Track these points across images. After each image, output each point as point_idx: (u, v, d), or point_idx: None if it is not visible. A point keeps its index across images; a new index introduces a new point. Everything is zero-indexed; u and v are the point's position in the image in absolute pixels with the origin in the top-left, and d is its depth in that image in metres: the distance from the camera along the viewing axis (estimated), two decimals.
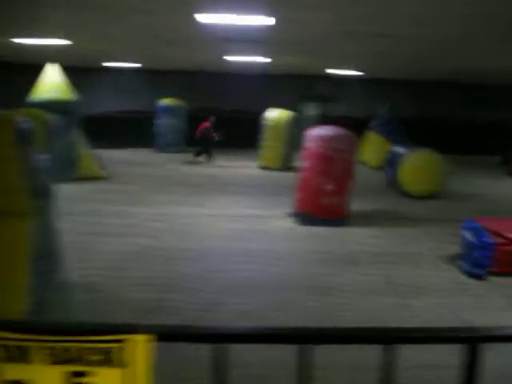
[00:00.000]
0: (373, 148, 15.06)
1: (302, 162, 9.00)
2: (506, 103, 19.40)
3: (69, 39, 10.54)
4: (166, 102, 17.34)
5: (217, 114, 16.20)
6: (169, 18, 8.12)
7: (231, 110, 18.94)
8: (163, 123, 17.29)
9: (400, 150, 11.77)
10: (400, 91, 19.30)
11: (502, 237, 6.56)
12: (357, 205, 10.12)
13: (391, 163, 11.77)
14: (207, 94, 18.95)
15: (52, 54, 12.66)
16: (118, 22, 8.58)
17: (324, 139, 8.63)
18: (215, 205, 9.95)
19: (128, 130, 17.72)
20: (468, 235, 6.80)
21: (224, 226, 8.50)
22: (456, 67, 14.11)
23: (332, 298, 5.64)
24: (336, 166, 8.61)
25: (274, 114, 14.50)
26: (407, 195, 11.16)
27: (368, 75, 17.99)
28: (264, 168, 14.33)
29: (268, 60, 13.79)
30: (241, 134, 16.87)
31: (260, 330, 1.61)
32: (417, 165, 11.06)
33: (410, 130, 16.28)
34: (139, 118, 18.09)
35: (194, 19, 7.76)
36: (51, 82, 11.85)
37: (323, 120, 18.87)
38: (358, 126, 16.88)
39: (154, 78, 18.91)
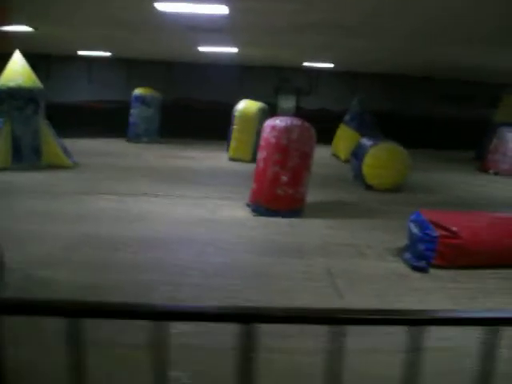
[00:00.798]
0: (344, 141, 15.08)
1: (259, 152, 8.97)
2: (480, 99, 19.48)
3: (32, 26, 10.45)
4: (140, 91, 17.23)
5: (192, 105, 16.18)
6: (129, 6, 8.09)
7: (206, 101, 18.85)
8: (137, 113, 17.19)
9: (365, 142, 11.78)
10: (375, 85, 19.34)
11: (446, 229, 6.58)
12: (318, 196, 10.17)
13: (357, 156, 11.78)
14: (183, 84, 18.88)
15: (21, 42, 12.55)
16: (78, 8, 8.51)
17: (279, 130, 8.61)
18: (175, 195, 9.93)
19: (101, 119, 17.61)
20: (413, 228, 6.82)
21: (178, 215, 8.48)
22: (430, 62, 14.15)
23: (267, 285, 5.64)
24: (291, 157, 8.59)
25: (245, 106, 14.46)
26: (371, 188, 11.18)
27: (343, 68, 18.01)
28: (234, 159, 14.30)
29: (236, 50, 13.74)
30: (215, 125, 16.83)
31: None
32: (380, 158, 11.07)
33: (384, 124, 16.34)
34: (113, 107, 17.99)
35: (153, 7, 7.73)
36: (16, 69, 11.73)
37: (298, 113, 18.97)
38: (332, 119, 17.04)
39: (129, 68, 18.79)
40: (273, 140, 8.64)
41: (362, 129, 14.51)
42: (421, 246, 6.62)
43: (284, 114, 19.29)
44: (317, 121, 17.04)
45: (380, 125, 15.88)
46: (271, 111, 18.97)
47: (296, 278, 5.95)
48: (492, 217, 7.37)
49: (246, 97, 15.54)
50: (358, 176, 11.61)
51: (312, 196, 9.95)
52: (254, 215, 8.66)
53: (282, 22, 8.72)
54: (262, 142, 8.88)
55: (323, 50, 13.11)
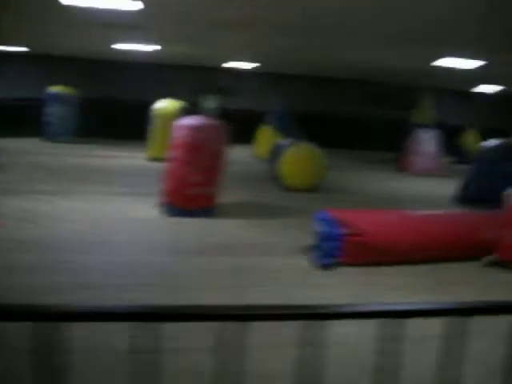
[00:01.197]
0: (265, 142, 15.05)
1: (170, 152, 8.77)
2: (403, 102, 19.93)
3: None
4: (55, 89, 16.58)
5: (112, 104, 15.72)
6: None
7: (127, 99, 18.37)
8: (53, 112, 16.54)
9: (283, 143, 11.79)
10: (301, 86, 19.47)
11: (351, 227, 6.60)
12: (234, 196, 10.08)
13: (274, 156, 11.77)
14: (102, 83, 18.32)
15: None
16: None
17: (191, 129, 8.45)
18: (85, 195, 9.56)
19: (14, 117, 16.80)
20: (319, 226, 6.81)
21: (87, 215, 8.16)
22: (353, 63, 14.35)
23: (168, 285, 5.46)
24: (203, 157, 8.44)
25: (163, 105, 14.19)
26: (288, 188, 11.18)
27: (269, 69, 18.00)
28: (152, 159, 13.97)
29: (155, 48, 13.48)
30: (135, 124, 16.42)
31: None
32: (296, 159, 11.09)
33: (309, 126, 16.46)
34: (26, 105, 17.19)
35: (57, 2, 7.42)
36: None
37: (223, 113, 18.83)
38: (257, 120, 16.99)
39: (45, 65, 18.04)
40: (184, 139, 8.46)
41: (284, 129, 14.53)
42: (327, 244, 6.62)
43: (208, 113, 19.22)
44: (241, 121, 17.14)
45: (305, 126, 15.95)
46: (195, 111, 18.82)
47: (198, 277, 5.80)
48: (399, 215, 7.50)
49: (169, 96, 15.27)
50: (276, 176, 11.59)
51: (228, 196, 9.84)
52: (166, 215, 8.45)
53: (200, 18, 8.55)
54: (173, 142, 8.67)
55: (246, 48, 13.05)
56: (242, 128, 16.54)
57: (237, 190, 10.75)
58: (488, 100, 20.67)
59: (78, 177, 11.32)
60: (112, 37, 12.11)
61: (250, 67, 17.45)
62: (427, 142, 15.73)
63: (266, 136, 15.32)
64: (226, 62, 16.68)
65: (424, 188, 13.37)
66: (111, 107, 17.68)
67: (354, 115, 20.24)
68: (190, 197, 8.43)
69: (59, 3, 7.52)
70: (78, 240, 6.84)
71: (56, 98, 16.53)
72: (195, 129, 8.45)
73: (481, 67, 12.31)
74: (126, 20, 9.14)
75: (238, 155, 16.27)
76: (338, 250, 6.53)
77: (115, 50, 14.22)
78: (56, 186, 10.18)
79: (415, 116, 16.56)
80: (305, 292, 5.60)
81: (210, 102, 18.90)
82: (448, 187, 12.33)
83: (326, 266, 6.41)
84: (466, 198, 11.05)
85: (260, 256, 6.76)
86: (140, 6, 7.56)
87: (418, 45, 9.93)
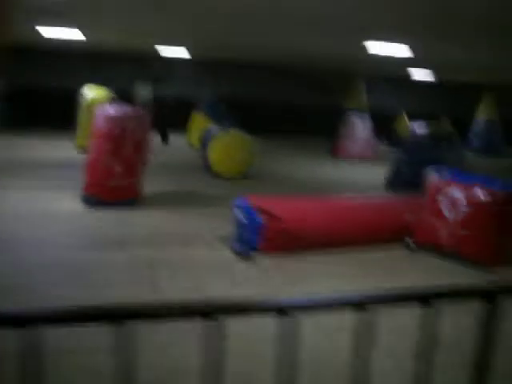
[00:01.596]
0: (197, 129, 14.88)
1: (90, 141, 8.51)
2: (334, 87, 20.14)
3: None
4: None
5: (39, 93, 15.16)
6: None
7: (55, 88, 17.80)
8: None
9: (211, 130, 11.67)
10: (235, 73, 19.35)
11: (271, 215, 6.57)
12: (161, 186, 9.94)
13: (204, 144, 11.64)
14: (28, 71, 17.69)
15: None
16: None
17: (111, 118, 8.21)
18: (6, 189, 9.18)
19: None
20: (239, 214, 6.75)
21: (5, 209, 7.85)
22: (285, 50, 14.29)
23: (81, 281, 5.28)
24: (125, 147, 8.23)
25: (93, 94, 13.79)
26: (218, 176, 11.09)
27: (201, 57, 17.79)
28: (80, 148, 13.57)
29: (80, 34, 13.06)
30: (64, 113, 15.95)
31: None
32: (225, 145, 11.00)
33: (241, 113, 16.38)
34: None
35: None
36: None
37: (154, 101, 18.54)
38: (190, 108, 16.79)
39: None
40: (105, 129, 8.23)
41: (215, 117, 14.39)
42: (246, 233, 6.58)
43: (141, 101, 18.89)
44: (175, 109, 16.90)
45: (238, 113, 15.87)
46: (127, 99, 18.44)
47: (114, 271, 5.65)
48: (319, 201, 7.52)
49: (100, 84, 14.88)
50: (206, 164, 11.47)
51: (155, 185, 9.71)
52: (88, 207, 8.21)
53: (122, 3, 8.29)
54: (94, 131, 8.42)
55: (174, 34, 12.78)
56: (175, 116, 16.41)
57: (165, 179, 10.61)
58: (421, 86, 21.12)
59: (2, 170, 10.88)
60: (33, 21, 11.65)
61: (182, 55, 17.18)
62: (360, 127, 15.92)
63: (197, 123, 15.14)
64: (156, 49, 16.35)
65: (356, 173, 13.54)
66: (39, 96, 17.12)
67: (289, 101, 20.28)
68: (112, 188, 8.23)
69: None
70: None
71: None
72: (117, 119, 8.23)
73: (407, 52, 12.50)
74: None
75: (172, 144, 16.12)
76: (258, 238, 6.49)
77: (43, 37, 13.70)
78: None
79: (348, 101, 16.71)
80: (222, 282, 5.54)
81: (143, 90, 18.53)
82: (380, 172, 12.53)
83: (243, 255, 6.35)
84: (396, 183, 11.23)
85: (179, 247, 6.65)
86: None
87: (342, 29, 9.95)
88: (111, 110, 8.39)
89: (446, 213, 6.96)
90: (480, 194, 6.70)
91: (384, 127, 18.41)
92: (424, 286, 1.73)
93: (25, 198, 8.63)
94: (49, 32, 12.81)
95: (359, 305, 1.59)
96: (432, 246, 7.04)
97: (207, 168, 11.48)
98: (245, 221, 6.59)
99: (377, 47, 11.94)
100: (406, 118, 19.13)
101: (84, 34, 13.07)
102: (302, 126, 20.14)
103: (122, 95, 14.28)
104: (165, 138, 16.08)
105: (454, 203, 6.90)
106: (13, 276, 5.31)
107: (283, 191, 9.97)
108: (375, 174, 12.91)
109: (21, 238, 6.57)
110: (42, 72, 17.87)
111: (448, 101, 21.71)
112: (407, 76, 19.72)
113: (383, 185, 11.44)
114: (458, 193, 6.90)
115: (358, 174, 13.50)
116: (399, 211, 7.59)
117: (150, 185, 9.56)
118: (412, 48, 11.79)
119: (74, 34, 13.02)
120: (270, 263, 6.24)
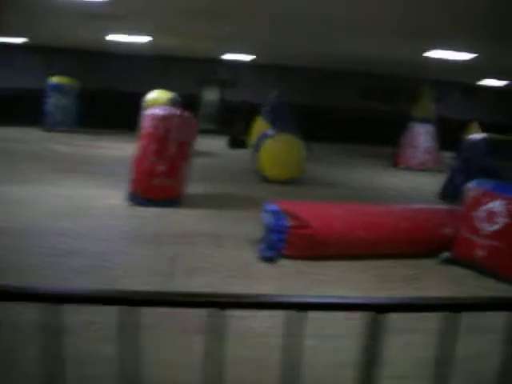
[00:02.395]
0: (258, 133, 15.02)
1: (138, 142, 8.82)
2: (404, 95, 19.70)
3: None
4: (56, 80, 16.84)
5: (111, 96, 15.85)
6: None
7: (127, 92, 18.52)
8: (53, 102, 16.80)
9: (264, 134, 11.76)
10: (300, 79, 19.39)
11: (298, 219, 6.56)
12: (210, 188, 10.13)
13: (256, 147, 11.74)
14: (102, 74, 18.53)
15: None
16: None
17: (157, 119, 8.49)
18: (62, 184, 9.72)
19: (15, 107, 17.10)
20: (267, 218, 6.79)
21: (54, 203, 8.30)
22: (349, 56, 14.24)
23: (94, 271, 5.53)
24: (169, 147, 8.48)
25: (155, 96, 14.27)
26: (267, 180, 11.15)
27: (266, 61, 17.97)
28: None
29: (148, 39, 13.57)
30: (133, 116, 16.55)
31: None
32: (275, 149, 11.05)
33: (305, 118, 16.40)
34: (27, 95, 17.46)
35: None
36: None
37: (222, 105, 18.88)
38: (254, 112, 16.98)
39: (45, 56, 18.27)
40: (151, 129, 8.52)
41: (276, 121, 14.47)
42: (273, 236, 6.61)
43: (208, 106, 19.31)
44: (239, 113, 17.16)
45: (301, 119, 15.88)
46: (194, 103, 18.93)
47: (135, 264, 5.87)
48: (351, 208, 7.42)
49: (167, 88, 15.36)
50: (257, 167, 11.57)
51: (203, 187, 9.94)
52: (131, 205, 8.52)
53: (184, 8, 8.63)
54: (142, 131, 8.73)
55: (238, 39, 13.05)
56: (241, 119, 16.65)
57: (215, 182, 10.80)
58: (493, 94, 20.29)
59: (64, 166, 11.51)
60: (103, 28, 12.24)
61: (247, 59, 17.43)
62: (424, 137, 15.52)
63: (258, 127, 15.29)
64: (222, 53, 16.68)
65: (414, 183, 13.22)
66: (110, 98, 17.90)
67: (353, 108, 20.06)
68: (155, 187, 8.49)
69: None
70: (31, 228, 6.96)
71: (56, 88, 16.80)
72: (162, 119, 8.49)
73: (475, 60, 12.12)
74: (110, 10, 9.30)
75: (225, 146, 16.43)
76: (283, 243, 6.50)
77: (113, 41, 14.34)
78: (39, 174, 10.41)
79: (414, 110, 16.33)
80: (238, 283, 5.61)
81: (210, 94, 18.93)
82: (440, 182, 12.14)
83: (268, 259, 6.38)
84: (449, 192, 10.87)
85: (207, 247, 6.77)
86: None
87: (405, 36, 9.85)
88: (157, 110, 8.67)
89: (483, 226, 6.69)
90: None
91: (453, 137, 17.81)
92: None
93: (78, 193, 9.09)
94: (118, 36, 13.41)
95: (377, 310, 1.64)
96: (469, 261, 6.76)
97: (258, 172, 11.58)
98: (272, 225, 6.62)
99: (440, 54, 11.68)
100: (477, 127, 18.41)
101: (149, 39, 13.56)
102: (365, 134, 19.85)
103: (188, 99, 14.68)
104: (235, 143, 16.32)
105: (491, 216, 6.62)
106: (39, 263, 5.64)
107: (330, 198, 9.87)
108: (434, 184, 12.53)
109: (65, 228, 6.96)
110: (115, 75, 18.64)
111: None
112: (480, 85, 19.03)
113: (437, 195, 11.11)
114: (496, 205, 6.62)
115: (416, 183, 13.16)
116: (437, 223, 7.35)
117: (198, 186, 9.79)
118: (480, 56, 11.45)
119: (140, 39, 13.56)
120: (291, 267, 6.24)
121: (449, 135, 16.63)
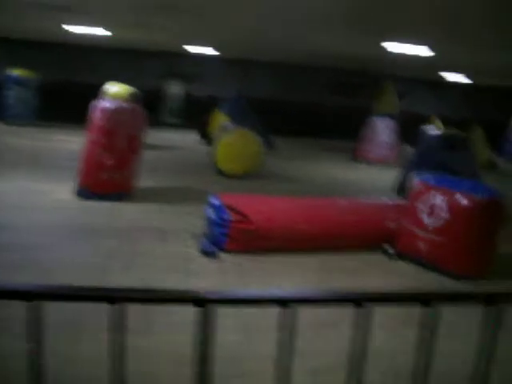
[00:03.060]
0: (215, 127, 14.93)
1: (86, 135, 8.70)
2: (368, 89, 19.80)
3: None
4: (15, 72, 16.51)
5: (72, 88, 15.60)
6: None
7: (87, 84, 18.24)
8: (12, 95, 16.48)
9: (223, 127, 11.71)
10: (265, 73, 19.35)
11: (239, 214, 6.54)
12: (162, 181, 10.04)
13: (215, 141, 11.69)
14: (63, 66, 18.24)
15: None
16: None
17: (106, 112, 8.39)
18: (12, 177, 9.54)
19: None
20: (210, 212, 6.75)
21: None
22: (312, 51, 14.18)
23: (37, 269, 5.44)
24: (118, 140, 8.38)
25: (114, 90, 14.03)
26: (222, 174, 11.10)
27: (231, 56, 17.87)
28: None
29: (105, 32, 13.38)
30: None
31: None
32: (231, 144, 11.01)
33: (269, 112, 16.37)
34: None
35: None
36: None
37: (188, 99, 18.76)
38: (214, 106, 16.87)
39: (3, 47, 17.90)
40: (99, 122, 8.40)
41: (233, 115, 14.35)
42: (215, 231, 6.57)
43: (172, 100, 19.17)
44: (204, 107, 17.04)
45: (262, 113, 15.82)
46: (157, 97, 18.80)
47: (72, 258, 5.80)
48: (295, 202, 7.42)
49: (129, 81, 15.15)
50: (213, 161, 11.52)
51: (155, 181, 9.84)
52: (79, 199, 8.40)
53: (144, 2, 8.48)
54: (90, 124, 8.61)
55: (199, 33, 12.90)
56: (206, 114, 16.52)
57: (168, 175, 10.74)
58: (459, 91, 20.53)
59: (17, 160, 11.29)
60: (62, 19, 12.02)
61: (213, 53, 17.31)
62: (383, 131, 15.62)
63: (216, 121, 15.19)
64: (185, 47, 16.53)
65: (372, 176, 13.30)
66: (71, 91, 17.64)
67: (317, 103, 20.11)
68: (104, 180, 8.39)
69: None
70: None
71: (15, 81, 16.46)
72: (111, 112, 8.39)
73: (435, 56, 12.18)
74: (67, 2, 9.11)
75: (189, 141, 16.34)
76: (225, 237, 6.47)
77: (73, 34, 14.10)
78: None
79: (377, 105, 16.42)
80: (174, 279, 5.56)
81: (174, 88, 18.79)
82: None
83: (209, 254, 6.33)
84: (405, 186, 10.93)
85: (150, 242, 6.71)
86: None
87: (359, 26, 9.81)
88: (106, 103, 8.56)
89: (425, 219, 6.74)
90: (461, 200, 6.45)
91: (415, 131, 17.95)
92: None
93: (26, 188, 8.93)
94: (75, 28, 13.20)
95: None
96: (412, 255, 6.82)
97: (214, 165, 11.53)
98: (214, 219, 6.59)
99: (397, 47, 11.69)
100: (437, 122, 18.57)
101: (109, 31, 13.37)
102: (325, 128, 19.90)
103: (152, 93, 14.52)
104: (204, 136, 16.14)
105: (433, 209, 6.67)
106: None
107: (286, 192, 9.84)
108: (392, 178, 12.61)
109: (5, 222, 6.84)
110: (76, 68, 18.37)
111: (483, 105, 21.00)
112: (442, 80, 19.21)
113: (392, 189, 11.18)
114: (438, 199, 6.67)
115: (373, 177, 13.24)
116: (383, 216, 7.39)
117: (151, 180, 9.71)
118: (435, 50, 11.48)
119: (99, 31, 13.37)
120: (232, 262, 6.22)
121: (413, 130, 16.74)
